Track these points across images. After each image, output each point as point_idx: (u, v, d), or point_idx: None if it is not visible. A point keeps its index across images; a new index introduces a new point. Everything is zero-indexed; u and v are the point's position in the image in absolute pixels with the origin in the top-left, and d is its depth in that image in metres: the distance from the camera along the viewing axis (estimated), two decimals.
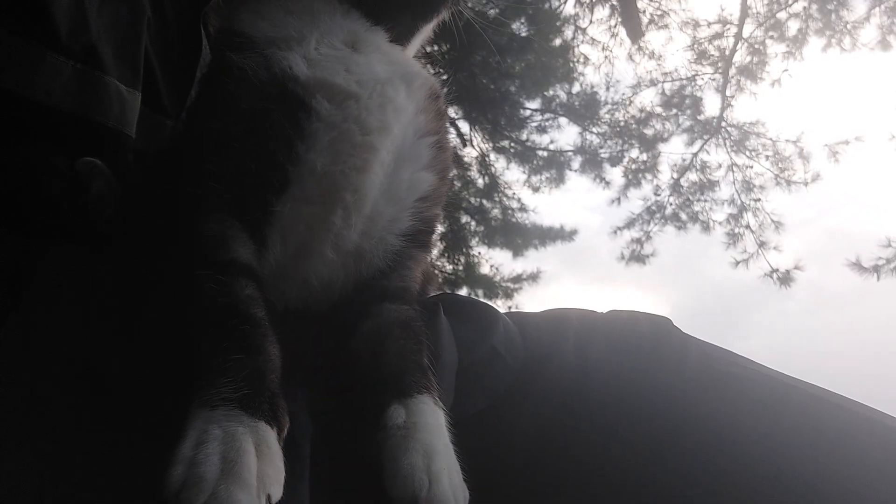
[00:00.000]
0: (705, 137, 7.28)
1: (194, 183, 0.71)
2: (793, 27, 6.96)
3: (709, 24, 7.16)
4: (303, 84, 0.74)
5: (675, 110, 7.30)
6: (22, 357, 0.61)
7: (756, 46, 7.10)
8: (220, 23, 0.94)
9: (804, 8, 6.88)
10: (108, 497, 0.55)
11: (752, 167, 7.18)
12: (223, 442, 0.52)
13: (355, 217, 0.75)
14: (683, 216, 7.34)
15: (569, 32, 7.18)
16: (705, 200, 7.35)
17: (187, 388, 0.58)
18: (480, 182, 7.12)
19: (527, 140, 7.30)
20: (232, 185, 0.71)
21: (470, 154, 6.89)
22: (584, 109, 7.26)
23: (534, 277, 7.07)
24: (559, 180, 7.31)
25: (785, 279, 6.70)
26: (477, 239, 7.18)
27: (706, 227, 7.24)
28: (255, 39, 0.78)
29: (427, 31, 0.97)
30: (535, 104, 7.26)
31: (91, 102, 0.81)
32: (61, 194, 0.80)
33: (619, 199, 7.39)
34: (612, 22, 7.23)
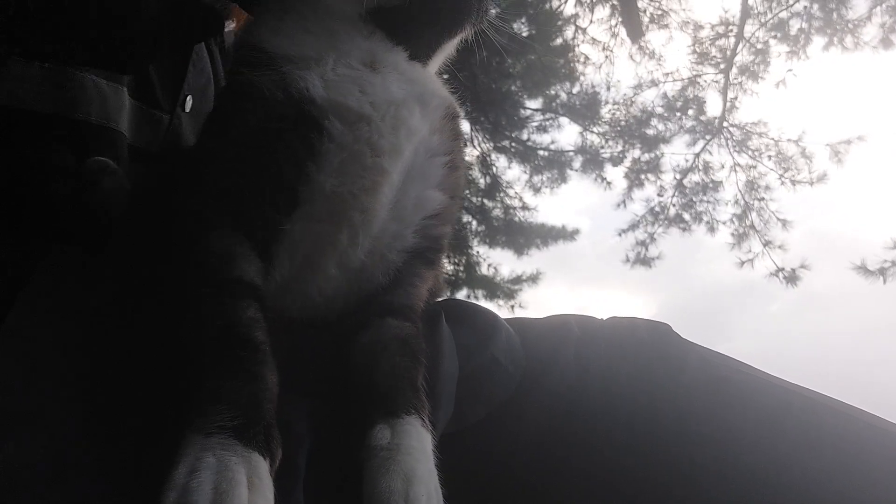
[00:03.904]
0: (707, 138, 7.28)
1: (204, 198, 0.72)
2: (794, 27, 6.96)
3: (712, 27, 7.16)
4: (318, 106, 0.74)
5: (677, 112, 7.29)
6: (19, 356, 0.61)
7: (757, 46, 7.10)
8: (239, 36, 0.94)
9: (805, 7, 6.87)
10: (108, 498, 0.55)
11: (755, 167, 7.19)
12: (216, 471, 0.52)
13: (363, 236, 0.75)
14: (687, 217, 7.35)
15: (569, 32, 7.18)
16: (708, 201, 7.36)
17: (184, 397, 0.58)
18: (482, 182, 7.12)
19: (528, 140, 7.31)
20: (241, 203, 0.71)
21: (471, 154, 6.89)
22: (585, 109, 7.25)
23: (534, 279, 7.09)
24: (560, 180, 7.32)
25: (791, 278, 6.72)
26: (478, 239, 7.19)
27: (711, 228, 7.26)
28: (272, 56, 0.77)
29: (450, 48, 0.96)
30: (535, 104, 7.27)
31: (67, 100, 0.79)
32: (65, 194, 0.80)
33: (623, 203, 7.39)
34: (613, 22, 7.23)
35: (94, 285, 0.71)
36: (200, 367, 0.61)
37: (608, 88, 7.28)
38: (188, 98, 1.00)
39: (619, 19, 7.16)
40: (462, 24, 0.91)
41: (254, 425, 0.57)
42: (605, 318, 0.95)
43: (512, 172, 7.31)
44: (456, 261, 6.84)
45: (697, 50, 7.26)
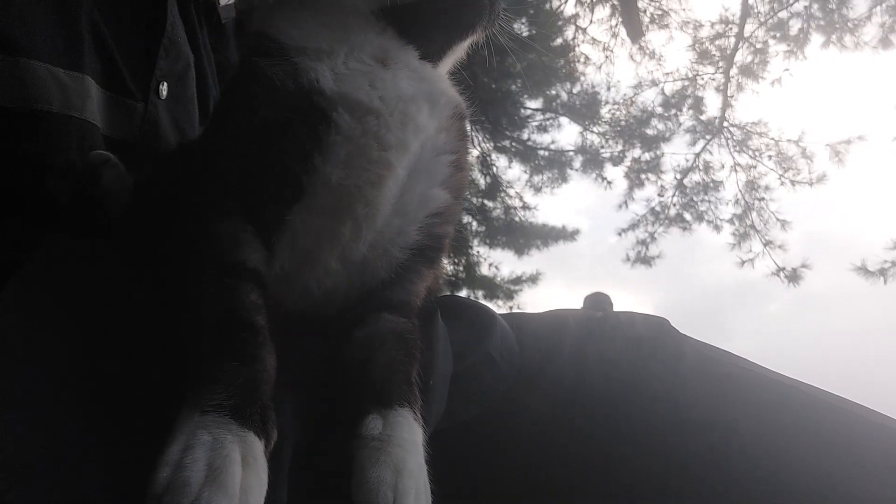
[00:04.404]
0: (707, 138, 7.28)
1: (211, 184, 0.72)
2: (794, 26, 6.96)
3: (712, 25, 7.16)
4: (328, 98, 0.74)
5: (675, 111, 7.30)
6: (19, 355, 0.61)
7: (757, 46, 7.10)
8: (253, 26, 0.93)
9: (805, 7, 6.87)
10: (108, 497, 0.54)
11: (755, 167, 7.19)
12: (211, 448, 0.52)
13: (366, 230, 0.75)
14: (688, 216, 7.36)
15: (570, 32, 7.19)
16: (708, 201, 7.37)
17: (182, 385, 0.58)
18: (482, 182, 7.13)
19: (528, 139, 7.31)
20: (247, 191, 0.71)
21: (471, 153, 6.89)
22: (585, 109, 7.26)
23: (533, 279, 7.10)
24: (560, 180, 7.32)
25: (793, 277, 6.73)
26: (478, 239, 7.19)
27: (716, 227, 7.27)
28: (285, 46, 0.77)
29: (460, 50, 0.97)
30: (536, 104, 7.28)
31: (20, 91, 0.77)
32: (65, 191, 0.80)
33: (625, 203, 7.41)
34: (613, 22, 7.24)
35: (94, 277, 0.71)
36: (200, 348, 0.61)
37: (608, 88, 7.31)
38: (162, 85, 0.99)
39: (620, 19, 7.17)
40: (473, 28, 0.91)
41: (250, 405, 0.57)
42: (602, 313, 0.95)
43: (512, 172, 7.34)
44: (456, 261, 6.84)
45: (697, 49, 7.26)
